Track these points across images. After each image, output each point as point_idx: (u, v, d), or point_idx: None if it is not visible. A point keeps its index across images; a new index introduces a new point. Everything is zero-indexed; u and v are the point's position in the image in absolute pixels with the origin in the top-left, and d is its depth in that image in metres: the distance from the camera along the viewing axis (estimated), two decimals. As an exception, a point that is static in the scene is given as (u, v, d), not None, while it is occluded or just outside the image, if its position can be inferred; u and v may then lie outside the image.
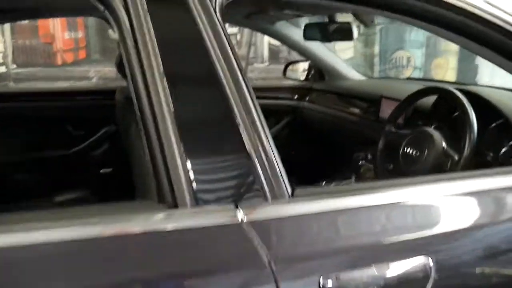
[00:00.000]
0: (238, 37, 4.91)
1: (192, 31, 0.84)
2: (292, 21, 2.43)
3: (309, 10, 1.62)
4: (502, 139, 1.43)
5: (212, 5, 0.85)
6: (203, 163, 0.80)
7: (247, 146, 0.81)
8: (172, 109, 0.78)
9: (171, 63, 0.83)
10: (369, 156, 2.02)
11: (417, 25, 1.15)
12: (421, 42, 4.88)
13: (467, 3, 1.04)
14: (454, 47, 4.93)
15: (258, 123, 0.84)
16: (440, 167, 1.37)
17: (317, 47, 2.49)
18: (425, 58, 4.98)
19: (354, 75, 2.61)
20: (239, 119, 0.82)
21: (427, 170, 1.38)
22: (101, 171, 2.42)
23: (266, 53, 5.13)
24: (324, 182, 2.02)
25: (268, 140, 0.84)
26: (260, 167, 0.81)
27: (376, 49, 4.88)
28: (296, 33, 2.44)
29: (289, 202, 0.81)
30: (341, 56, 5.16)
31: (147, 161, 0.81)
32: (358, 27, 1.69)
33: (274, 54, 4.98)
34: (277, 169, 0.82)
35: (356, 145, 2.22)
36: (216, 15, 0.85)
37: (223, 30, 0.86)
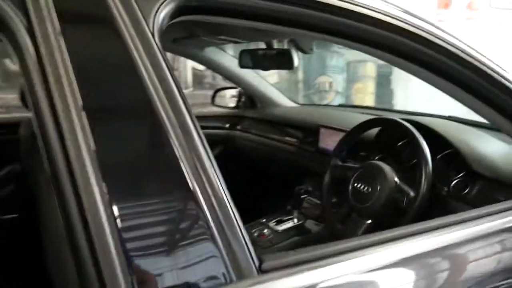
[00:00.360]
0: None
1: (122, 57, 0.66)
2: (221, 46, 2.30)
3: (246, 35, 1.48)
4: (450, 170, 1.39)
5: (149, 29, 0.67)
6: (140, 234, 0.61)
7: (198, 203, 0.63)
8: (93, 150, 0.58)
9: (93, 95, 0.63)
10: (310, 189, 1.92)
11: (370, 53, 1.05)
12: (342, 68, 5.02)
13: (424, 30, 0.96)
14: (371, 72, 5.14)
15: (208, 166, 0.67)
16: (394, 204, 1.28)
17: (248, 73, 2.37)
18: (346, 83, 5.13)
19: (285, 102, 2.53)
20: (184, 164, 0.64)
21: (380, 206, 1.29)
22: (4, 217, 2.07)
23: (190, 78, 4.94)
24: (263, 219, 1.88)
25: (223, 190, 0.67)
26: (216, 229, 0.63)
27: (300, 74, 4.94)
28: (226, 59, 2.31)
29: (259, 281, 0.63)
30: (268, 81, 5.17)
31: (60, 228, 0.60)
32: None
33: (198, 79, 4.82)
34: (239, 231, 0.65)
35: (294, 177, 2.11)
36: (155, 39, 0.67)
37: (162, 57, 0.69)
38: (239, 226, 0.65)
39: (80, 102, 0.60)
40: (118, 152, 0.64)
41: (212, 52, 2.18)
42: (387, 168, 1.33)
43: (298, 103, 2.59)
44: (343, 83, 5.11)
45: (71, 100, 0.60)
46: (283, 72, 4.96)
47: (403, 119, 1.46)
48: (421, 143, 1.27)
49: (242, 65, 1.64)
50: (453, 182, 1.32)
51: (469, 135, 1.40)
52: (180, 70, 4.79)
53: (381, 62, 5.36)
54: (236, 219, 0.66)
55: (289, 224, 1.79)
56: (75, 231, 0.57)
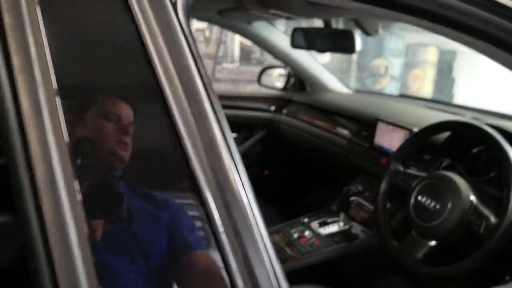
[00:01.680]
0: (207, 33, 4.49)
1: (125, 34, 0.48)
2: (272, 21, 2.08)
3: (301, 10, 1.26)
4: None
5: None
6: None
7: (214, 222, 0.50)
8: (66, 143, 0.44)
9: (71, 75, 0.47)
10: (360, 189, 1.71)
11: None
12: (400, 51, 4.65)
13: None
14: (433, 58, 4.74)
15: (233, 174, 0.53)
16: (467, 229, 1.05)
17: (299, 53, 2.15)
18: (403, 68, 4.76)
19: (339, 87, 2.29)
20: (198, 171, 0.51)
21: (449, 229, 1.06)
22: None
23: (237, 52, 4.73)
24: (305, 218, 1.69)
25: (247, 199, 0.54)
26: (231, 248, 0.50)
27: (354, 55, 4.60)
28: (276, 36, 2.09)
29: None
30: (319, 60, 4.87)
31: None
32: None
33: (245, 55, 4.61)
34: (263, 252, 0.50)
35: (342, 173, 1.90)
36: (176, 13, 0.49)
37: (185, 37, 0.50)
38: (265, 246, 0.49)
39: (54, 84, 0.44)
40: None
41: (261, 28, 1.97)
42: (461, 182, 1.10)
43: (353, 90, 2.35)
44: (400, 68, 4.74)
45: (40, 81, 0.44)
46: (336, 52, 4.67)
47: (489, 124, 1.21)
48: (509, 154, 1.02)
49: (294, 45, 1.42)
50: None
51: None
52: (227, 44, 4.60)
53: (444, 47, 4.91)
54: (261, 232, 0.50)
55: (334, 228, 1.59)
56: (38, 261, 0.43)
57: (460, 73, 4.80)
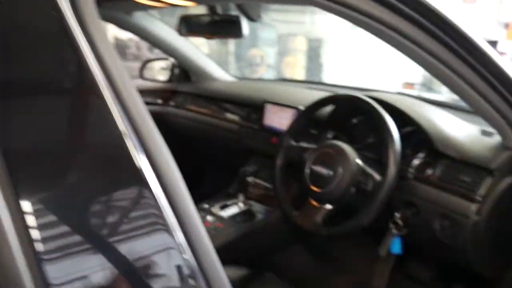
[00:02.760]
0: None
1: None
2: (152, 12, 2.04)
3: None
4: (413, 149, 1.31)
5: None
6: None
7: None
8: None
9: None
10: (255, 169, 1.78)
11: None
12: (273, 41, 4.89)
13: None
14: (302, 46, 5.08)
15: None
16: (357, 189, 1.18)
17: (182, 43, 2.15)
18: (277, 56, 5.02)
19: (223, 76, 2.34)
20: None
21: (342, 191, 1.18)
22: None
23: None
24: (205, 204, 1.71)
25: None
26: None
27: (232, 46, 4.72)
28: (157, 26, 2.06)
29: None
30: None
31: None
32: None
33: (120, 50, 4.42)
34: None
35: (236, 157, 1.96)
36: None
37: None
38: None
39: None
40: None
41: (141, 18, 1.92)
42: (348, 149, 1.22)
43: (237, 77, 2.42)
44: (274, 57, 5.00)
45: None
46: (213, 43, 4.73)
47: (368, 96, 1.35)
48: (386, 119, 1.17)
49: (182, 33, 1.42)
50: (415, 163, 1.24)
51: (430, 112, 1.33)
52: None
53: (311, 36, 5.32)
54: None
55: (235, 209, 1.65)
56: None
57: (328, 59, 5.23)
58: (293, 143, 1.39)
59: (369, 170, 1.17)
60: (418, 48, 0.88)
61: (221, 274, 0.52)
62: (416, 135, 1.28)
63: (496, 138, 1.17)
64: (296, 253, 1.71)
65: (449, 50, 0.90)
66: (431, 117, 1.27)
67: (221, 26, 1.37)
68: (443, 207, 1.14)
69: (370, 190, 1.14)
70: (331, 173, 1.20)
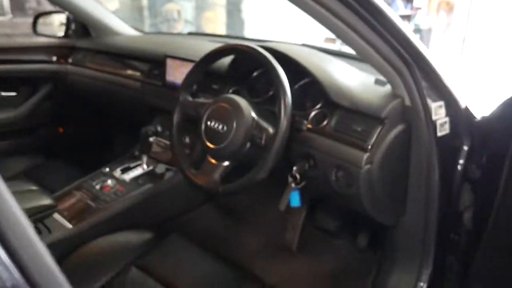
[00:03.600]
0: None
1: None
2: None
3: None
4: (309, 101, 1.29)
5: None
6: None
7: None
8: None
9: None
10: (159, 129, 1.70)
11: None
12: (190, -6, 4.67)
13: None
14: (221, 1, 4.90)
15: None
16: (252, 143, 1.13)
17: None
18: (196, 11, 4.80)
19: (126, 30, 2.17)
20: None
21: (238, 146, 1.13)
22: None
23: (6, 2, 4.01)
24: (106, 168, 1.61)
25: None
26: None
27: (144, 0, 4.42)
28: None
29: None
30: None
31: None
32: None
33: (18, 5, 3.96)
34: None
35: (141, 117, 1.85)
36: None
37: None
38: None
39: None
40: None
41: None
42: (242, 102, 1.16)
43: (142, 32, 2.26)
44: (193, 12, 4.78)
45: None
46: (125, -2, 4.42)
47: (261, 46, 1.29)
48: (278, 72, 1.12)
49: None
50: (312, 114, 1.22)
51: (327, 63, 1.31)
52: (-8, -8, 3.87)
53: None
54: None
55: (137, 171, 1.56)
56: None
57: (249, 14, 5.11)
58: (190, 98, 1.31)
59: (264, 124, 1.13)
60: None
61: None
62: (313, 86, 1.26)
63: (388, 87, 1.17)
64: (203, 213, 1.68)
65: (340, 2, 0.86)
66: (326, 68, 1.25)
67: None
68: (338, 158, 1.14)
69: (264, 144, 1.11)
70: (225, 128, 1.15)
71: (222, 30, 5.00)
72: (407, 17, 8.32)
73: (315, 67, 1.24)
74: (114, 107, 2.08)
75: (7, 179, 1.40)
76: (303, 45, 1.69)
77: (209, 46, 1.81)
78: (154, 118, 1.74)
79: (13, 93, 2.06)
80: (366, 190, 1.12)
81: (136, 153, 1.66)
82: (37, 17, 2.18)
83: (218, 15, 4.90)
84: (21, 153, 2.03)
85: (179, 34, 2.74)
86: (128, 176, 1.54)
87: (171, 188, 1.53)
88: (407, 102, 1.11)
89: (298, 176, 1.18)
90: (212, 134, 1.18)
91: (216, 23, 4.94)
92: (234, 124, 1.14)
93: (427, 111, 1.10)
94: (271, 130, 1.10)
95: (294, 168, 1.19)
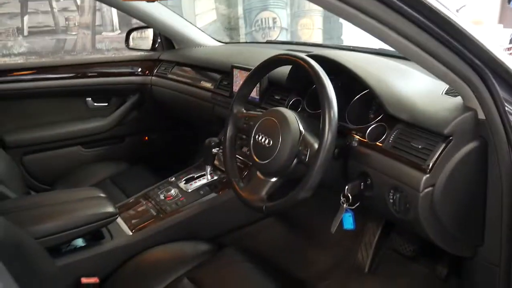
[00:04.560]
0: (79, 1, 4.13)
1: None
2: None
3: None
4: (368, 115, 1.17)
5: None
6: None
7: None
8: None
9: None
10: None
11: None
12: (285, 2, 4.65)
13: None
14: (318, 6, 4.80)
15: None
16: (296, 159, 1.06)
17: (160, 10, 2.05)
18: (291, 18, 4.79)
19: (207, 41, 2.23)
20: None
21: (283, 162, 1.06)
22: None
23: (116, 19, 4.42)
24: (173, 177, 1.65)
25: None
26: None
27: (240, 10, 4.52)
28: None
29: None
30: (203, 19, 4.76)
31: None
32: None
33: (126, 20, 4.35)
34: None
35: (215, 127, 1.87)
36: None
37: None
38: None
39: None
40: None
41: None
42: (289, 114, 1.09)
43: (224, 42, 2.30)
44: (288, 19, 4.77)
45: None
46: (221, 9, 4.56)
47: (308, 55, 1.21)
48: (323, 82, 1.03)
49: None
50: (369, 129, 1.10)
51: (388, 71, 1.18)
52: (103, 10, 4.29)
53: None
54: None
55: (201, 182, 1.57)
56: None
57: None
58: (243, 110, 1.28)
59: (310, 139, 1.04)
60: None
61: None
62: (372, 98, 1.14)
63: (460, 99, 1.01)
64: (266, 227, 1.63)
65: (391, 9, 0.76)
66: (386, 77, 1.12)
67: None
68: (395, 178, 1.01)
69: (307, 161, 1.02)
70: (271, 143, 1.09)
71: (318, 36, 4.91)
72: None
73: (373, 77, 1.12)
74: (192, 117, 2.14)
75: (94, 184, 1.50)
76: (380, 50, 1.57)
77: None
78: (223, 128, 1.74)
79: (105, 104, 2.24)
80: (426, 216, 0.98)
81: (198, 163, 1.67)
82: (129, 32, 2.34)
83: (314, 21, 4.82)
84: (109, 159, 2.18)
85: (259, 42, 2.74)
86: (191, 186, 1.55)
87: (232, 200, 1.51)
88: (481, 115, 0.94)
89: (350, 196, 1.08)
90: (260, 149, 1.13)
91: (312, 29, 4.86)
92: (280, 139, 1.07)
93: (507, 124, 0.92)
94: (316, 145, 1.02)
95: (347, 187, 1.08)
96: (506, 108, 0.92)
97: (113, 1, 1.94)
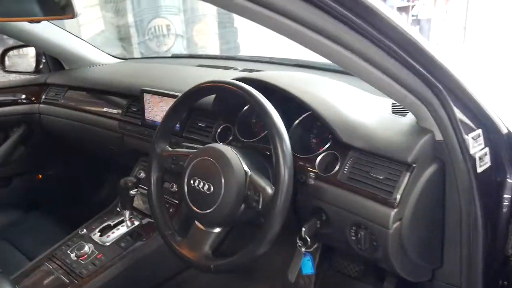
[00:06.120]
0: None
1: None
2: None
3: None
4: (315, 141, 1.05)
5: None
6: None
7: None
8: None
9: None
10: (142, 175, 1.46)
11: None
12: (178, 8, 4.42)
13: None
14: (211, 10, 4.66)
15: None
16: (246, 205, 0.89)
17: (40, 26, 1.72)
18: (185, 24, 4.57)
19: (102, 58, 1.95)
20: None
21: (229, 212, 0.89)
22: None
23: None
24: (83, 229, 1.38)
25: None
26: None
27: (130, 17, 4.18)
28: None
29: None
30: (89, 30, 4.32)
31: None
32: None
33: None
34: None
35: (125, 158, 1.62)
36: None
37: None
38: None
39: None
40: None
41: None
42: (230, 153, 0.93)
43: (121, 58, 2.04)
44: (182, 25, 4.55)
45: None
46: (109, 17, 4.18)
47: (239, 78, 1.06)
48: (268, 109, 0.88)
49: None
50: (318, 158, 0.98)
51: (328, 89, 1.07)
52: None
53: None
54: None
55: (120, 231, 1.32)
56: None
57: (241, 22, 4.88)
58: (167, 147, 1.08)
59: (259, 181, 0.88)
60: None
61: None
62: (318, 121, 1.02)
63: (411, 117, 0.93)
64: (200, 279, 1.44)
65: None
66: (327, 97, 1.01)
67: (47, 6, 0.99)
68: (356, 213, 0.90)
69: (261, 209, 0.87)
70: (212, 188, 0.91)
71: (215, 41, 4.77)
72: (404, 9, 8.06)
73: (313, 97, 1.00)
74: (95, 150, 1.86)
75: None
76: (297, 65, 1.46)
77: (192, 73, 1.59)
78: (137, 162, 1.51)
79: (-18, 141, 1.85)
80: (395, 252, 0.88)
81: (118, 209, 1.42)
82: (4, 52, 1.96)
83: (210, 26, 4.67)
84: (-4, 208, 1.81)
85: (162, 57, 2.52)
86: (109, 238, 1.30)
87: (160, 248, 1.29)
88: (438, 136, 0.87)
89: (308, 239, 0.94)
90: (197, 196, 0.94)
91: (208, 34, 4.70)
92: (223, 183, 0.90)
93: (463, 143, 0.86)
94: (269, 190, 0.86)
95: (303, 229, 0.95)
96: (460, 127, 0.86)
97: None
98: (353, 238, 0.92)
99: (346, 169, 0.93)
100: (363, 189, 0.89)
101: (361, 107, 1.00)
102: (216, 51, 4.74)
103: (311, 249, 0.96)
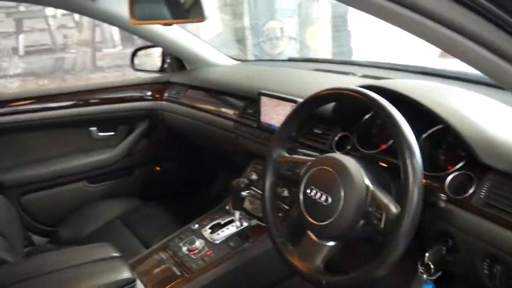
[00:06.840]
0: (77, 17, 3.90)
1: None
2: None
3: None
4: (445, 158, 0.96)
5: None
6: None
7: None
8: None
9: None
10: (254, 177, 1.47)
11: None
12: (292, 10, 4.44)
13: None
14: (326, 13, 4.60)
15: None
16: (366, 222, 0.84)
17: (166, 28, 1.83)
18: (299, 27, 4.58)
19: (221, 59, 2.02)
20: None
21: (346, 226, 0.85)
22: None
23: (117, 35, 4.19)
24: (195, 224, 1.42)
25: None
26: None
27: (246, 20, 4.30)
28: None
29: None
30: (209, 32, 4.54)
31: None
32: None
33: (127, 36, 4.12)
34: None
35: (238, 158, 1.65)
36: None
37: None
38: None
39: None
40: None
41: (109, 3, 1.61)
42: (351, 164, 0.88)
43: (238, 60, 2.08)
44: (296, 28, 4.55)
45: None
46: (226, 19, 4.35)
47: (366, 86, 1.00)
48: (400, 123, 0.81)
49: (136, 18, 1.10)
50: (449, 178, 0.89)
51: (464, 101, 0.96)
52: (103, 26, 4.06)
53: (334, 1, 4.79)
54: None
55: (229, 231, 1.35)
56: None
57: (356, 25, 4.75)
58: (285, 153, 1.06)
59: (382, 198, 0.82)
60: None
61: None
62: (450, 136, 0.93)
63: None
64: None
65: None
66: (464, 110, 0.91)
67: (181, 9, 1.04)
68: (492, 244, 0.79)
69: (383, 228, 0.81)
70: (329, 200, 0.87)
71: (328, 44, 4.70)
72: None
73: (447, 109, 0.90)
74: (210, 147, 1.92)
75: (102, 225, 1.25)
76: (424, 72, 1.35)
77: (310, 78, 1.55)
78: (249, 164, 1.52)
79: (111, 133, 2.02)
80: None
81: (227, 207, 1.45)
82: (134, 52, 2.12)
83: (323, 29, 4.61)
84: (118, 195, 1.96)
85: (278, 60, 2.53)
86: (218, 236, 1.33)
87: (269, 251, 1.29)
88: None
89: (432, 265, 0.86)
90: (314, 206, 0.91)
91: (321, 37, 4.65)
92: (342, 195, 0.86)
93: None
94: (393, 208, 0.80)
95: (427, 254, 0.86)
96: None
97: (116, 21, 1.73)
98: (486, 271, 0.81)
99: (483, 193, 0.82)
100: (503, 217, 0.78)
101: (505, 123, 0.89)
102: (328, 54, 4.66)
103: (434, 277, 0.88)
